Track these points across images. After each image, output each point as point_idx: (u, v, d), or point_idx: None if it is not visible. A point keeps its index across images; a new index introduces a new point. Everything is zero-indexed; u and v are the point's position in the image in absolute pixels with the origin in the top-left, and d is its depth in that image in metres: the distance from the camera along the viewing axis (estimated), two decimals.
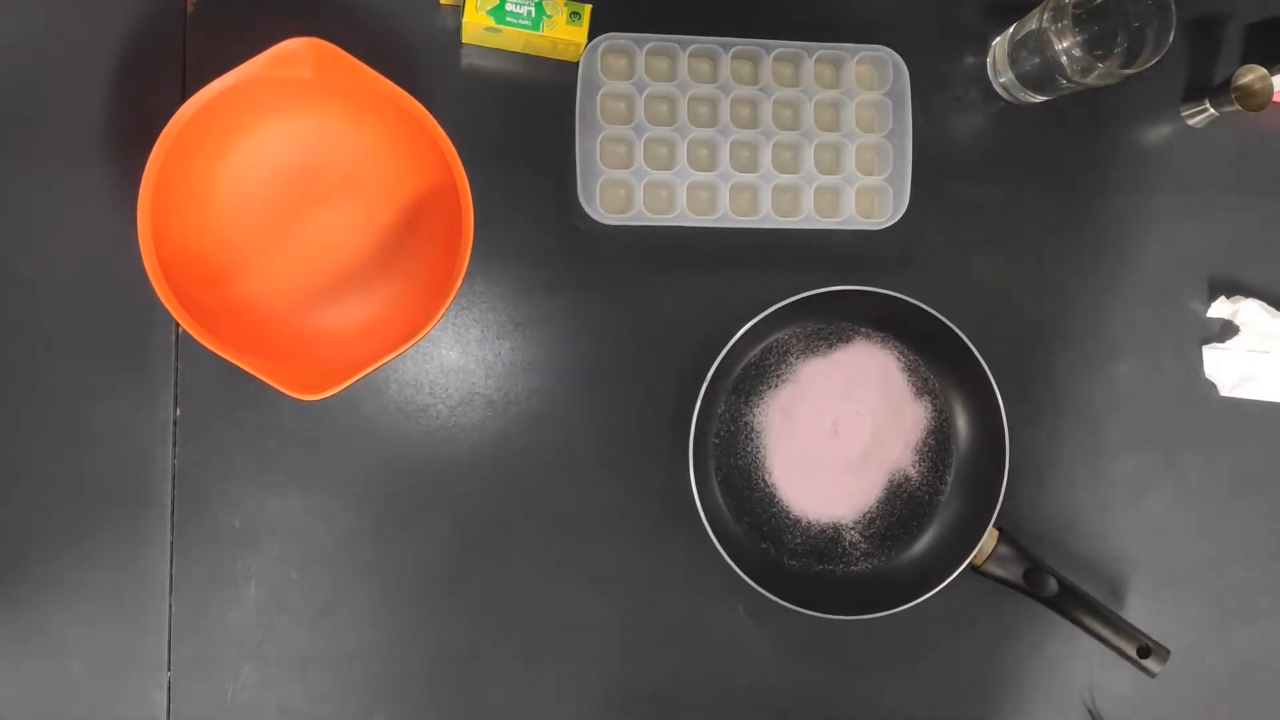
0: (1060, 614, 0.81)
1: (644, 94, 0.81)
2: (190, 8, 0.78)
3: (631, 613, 0.82)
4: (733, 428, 0.83)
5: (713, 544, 0.78)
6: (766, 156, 0.82)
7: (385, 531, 0.79)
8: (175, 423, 0.77)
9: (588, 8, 0.77)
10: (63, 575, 0.76)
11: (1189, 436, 0.88)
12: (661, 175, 0.81)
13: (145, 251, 0.68)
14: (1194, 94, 0.88)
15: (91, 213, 0.76)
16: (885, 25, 0.85)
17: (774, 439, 0.83)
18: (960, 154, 0.87)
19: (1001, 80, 0.86)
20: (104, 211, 0.76)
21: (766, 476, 0.83)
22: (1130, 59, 0.79)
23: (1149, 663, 0.80)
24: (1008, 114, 0.88)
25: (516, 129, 0.81)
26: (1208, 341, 0.89)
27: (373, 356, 0.71)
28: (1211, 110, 0.87)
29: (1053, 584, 0.81)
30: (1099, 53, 0.78)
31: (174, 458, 0.77)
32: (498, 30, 0.77)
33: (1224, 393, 0.89)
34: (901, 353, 0.85)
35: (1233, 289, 0.89)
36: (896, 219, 0.83)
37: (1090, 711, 0.83)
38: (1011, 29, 0.84)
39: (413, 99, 0.70)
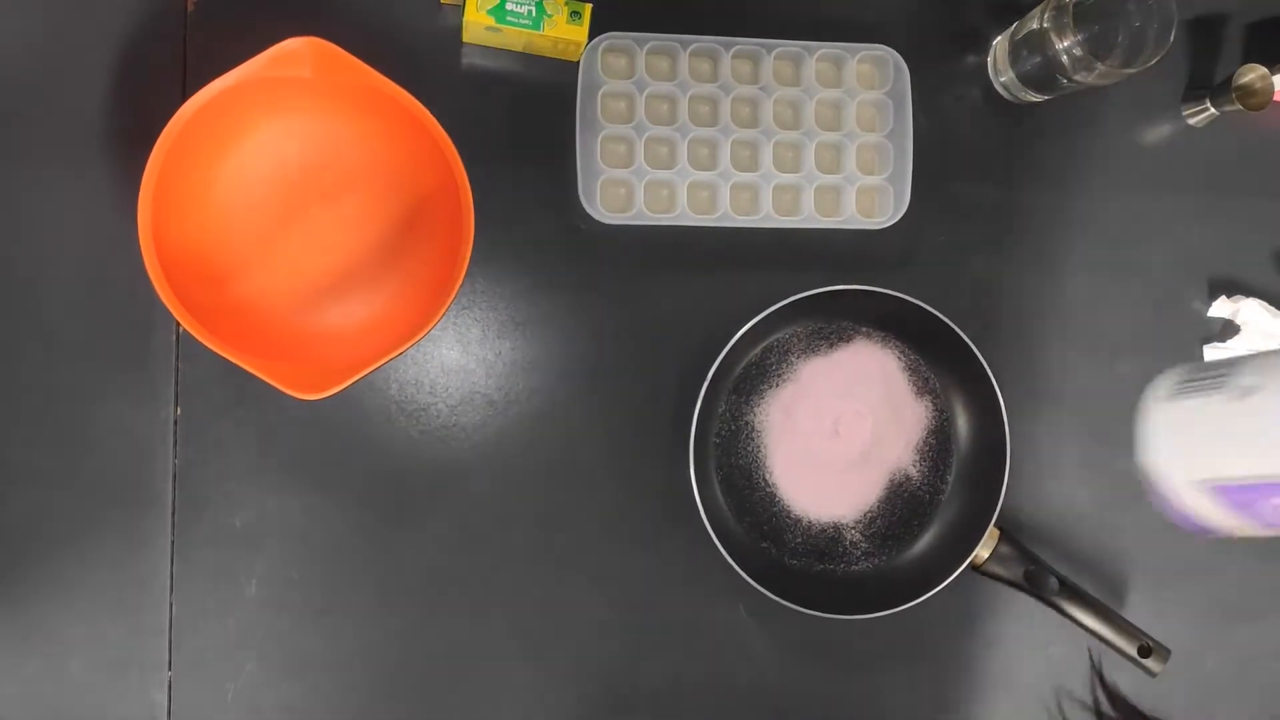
0: (1061, 613, 0.81)
1: (644, 93, 0.81)
2: (191, 7, 0.78)
3: (632, 612, 0.82)
4: (733, 427, 0.83)
5: (713, 543, 0.78)
6: (767, 156, 0.82)
7: (385, 531, 0.79)
8: (176, 422, 0.77)
9: (588, 7, 0.77)
10: (63, 575, 0.76)
11: None
12: (662, 174, 0.81)
13: (146, 251, 0.67)
14: (1195, 93, 0.88)
15: (92, 212, 0.76)
16: (886, 24, 0.85)
17: (775, 438, 0.83)
18: (961, 153, 0.87)
19: (1002, 79, 0.86)
20: (104, 211, 0.76)
21: (767, 476, 0.83)
22: (1131, 58, 0.79)
23: (1150, 662, 0.80)
24: (1008, 113, 0.88)
25: (517, 128, 0.81)
26: (1209, 341, 0.89)
27: (373, 356, 0.71)
28: (1212, 109, 0.87)
29: (1054, 583, 0.81)
30: (1100, 52, 0.78)
31: (174, 457, 0.77)
32: (498, 30, 0.77)
33: None
34: (902, 352, 0.85)
35: (1233, 288, 0.89)
36: (897, 218, 0.83)
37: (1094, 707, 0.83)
38: (1012, 28, 0.84)
39: (413, 98, 0.70)
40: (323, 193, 0.77)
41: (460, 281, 0.71)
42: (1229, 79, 0.85)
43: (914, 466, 0.85)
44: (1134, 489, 0.87)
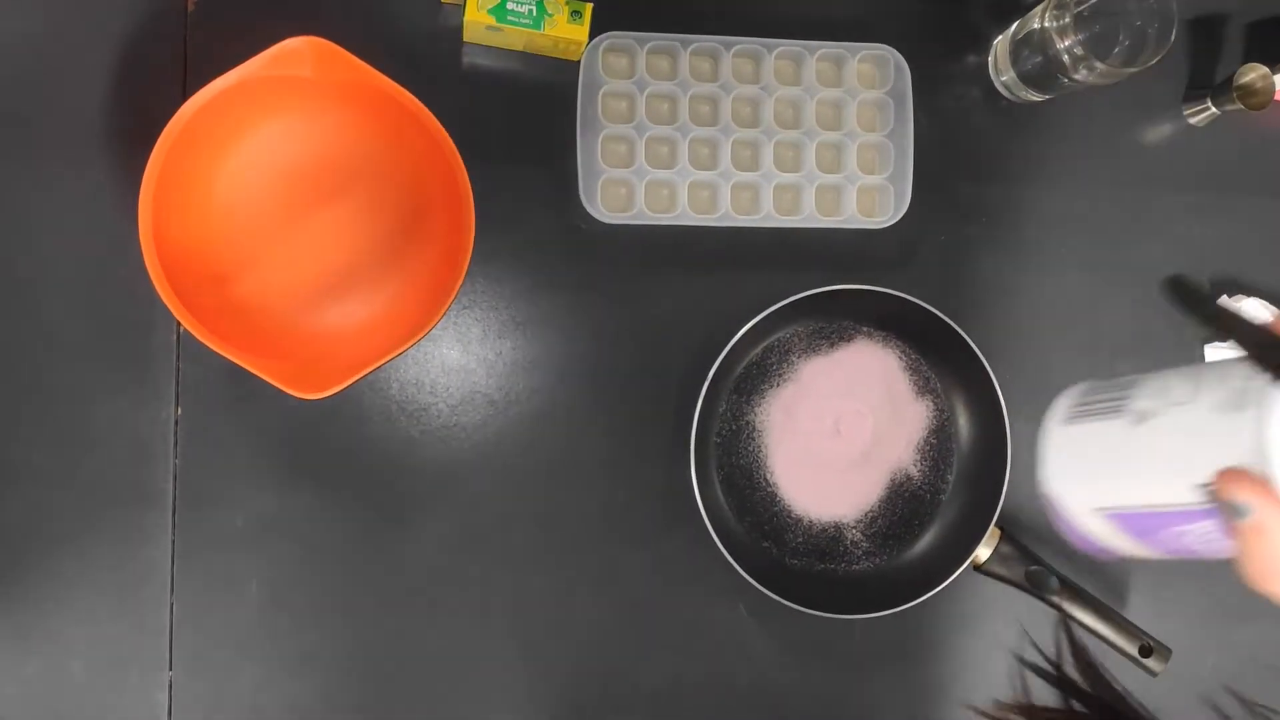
0: (1062, 613, 0.81)
1: (645, 93, 0.81)
2: (191, 7, 0.78)
3: (632, 612, 0.82)
4: (734, 427, 0.83)
5: (714, 543, 0.78)
6: (768, 155, 0.82)
7: (386, 530, 0.79)
8: (177, 422, 0.77)
9: (589, 6, 0.77)
10: (64, 574, 0.76)
11: None
12: (663, 174, 0.81)
13: (146, 251, 0.67)
14: (1196, 93, 0.88)
15: (92, 212, 0.76)
16: (887, 24, 0.85)
17: (776, 438, 0.83)
18: (962, 153, 0.87)
19: (1003, 79, 0.86)
20: (105, 211, 0.76)
21: (768, 475, 0.83)
22: (1132, 57, 0.79)
23: (1150, 662, 0.80)
24: (1009, 113, 0.87)
25: (518, 128, 0.81)
26: (1209, 340, 0.89)
27: (374, 355, 0.71)
28: (1213, 109, 0.87)
29: (1054, 583, 0.81)
30: (1101, 51, 0.78)
31: (175, 457, 0.77)
32: (499, 29, 0.77)
33: None
34: (903, 352, 0.85)
35: (1235, 287, 0.89)
36: (898, 218, 0.83)
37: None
38: (1013, 28, 0.84)
39: (414, 98, 0.70)
40: (323, 192, 0.77)
41: (461, 281, 0.71)
42: (1230, 78, 0.85)
43: (915, 466, 0.85)
44: None
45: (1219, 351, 0.88)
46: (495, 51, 0.81)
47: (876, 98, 0.84)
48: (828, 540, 0.84)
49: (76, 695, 0.76)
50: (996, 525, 0.81)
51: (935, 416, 0.85)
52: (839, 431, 0.84)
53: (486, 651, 0.80)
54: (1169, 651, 0.81)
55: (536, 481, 0.81)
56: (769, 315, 0.79)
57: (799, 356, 0.84)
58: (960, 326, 0.80)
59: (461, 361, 0.81)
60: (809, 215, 0.83)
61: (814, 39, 0.83)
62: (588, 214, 0.80)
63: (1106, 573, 0.86)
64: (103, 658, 0.76)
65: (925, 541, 0.85)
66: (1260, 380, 0.37)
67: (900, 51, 0.83)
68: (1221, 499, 0.37)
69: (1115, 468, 0.43)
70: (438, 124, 0.70)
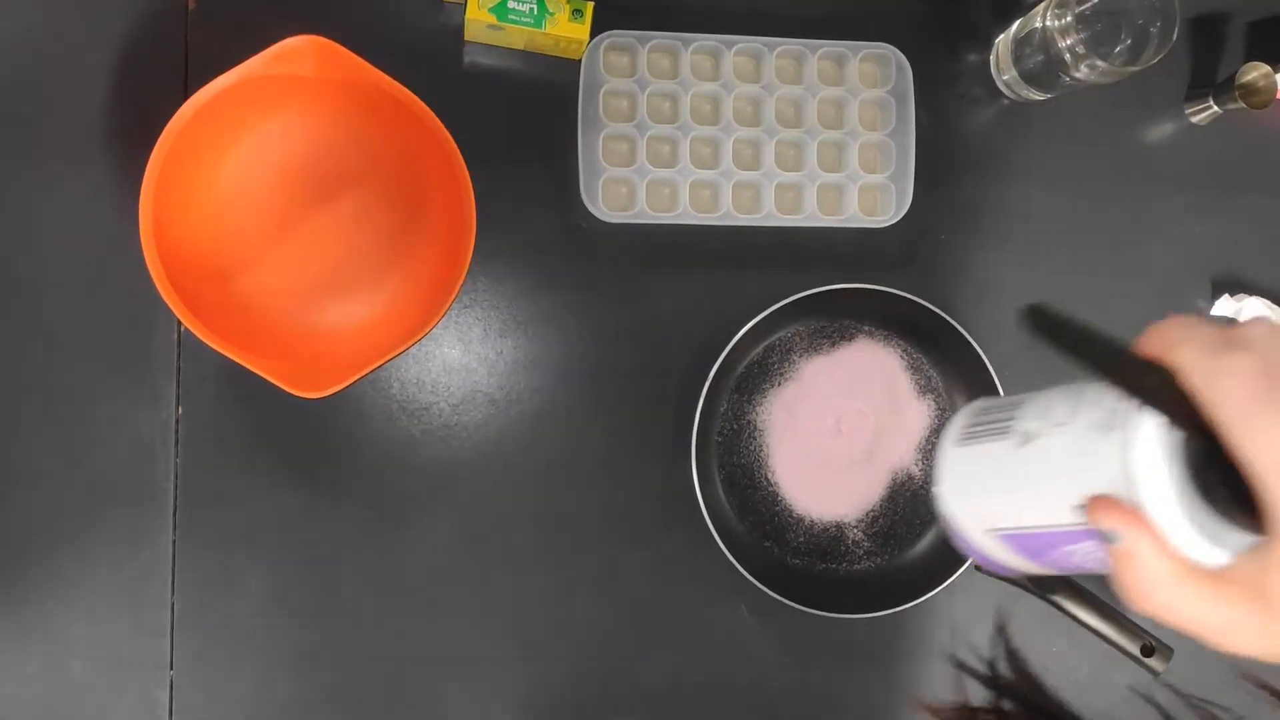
0: (1064, 613, 0.81)
1: (646, 91, 0.81)
2: (192, 6, 0.78)
3: (633, 611, 0.82)
4: (735, 426, 0.83)
5: (715, 542, 0.78)
6: (769, 154, 0.82)
7: (387, 530, 0.79)
8: (177, 421, 0.77)
9: (590, 5, 0.77)
10: (65, 574, 0.76)
11: None
12: (664, 173, 0.81)
13: (147, 250, 0.67)
14: (1198, 91, 0.88)
15: (93, 211, 0.76)
16: (888, 23, 0.85)
17: (777, 437, 0.83)
18: (963, 152, 0.87)
19: (1004, 78, 0.86)
20: (106, 210, 0.76)
21: (769, 475, 0.83)
22: (1134, 56, 0.78)
23: (1152, 661, 0.80)
24: (1011, 112, 0.87)
25: (519, 127, 0.81)
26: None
27: (375, 354, 0.71)
28: (1215, 108, 0.87)
29: (1057, 583, 0.81)
30: (1102, 50, 0.78)
31: (176, 456, 0.77)
32: (500, 28, 0.77)
33: None
34: (905, 351, 0.85)
35: (1236, 287, 0.89)
36: (899, 217, 0.83)
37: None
38: (1015, 26, 0.84)
39: (415, 97, 0.70)
40: (324, 191, 0.77)
41: (462, 280, 0.71)
42: (1232, 77, 0.85)
43: (916, 465, 0.85)
44: None
45: None
46: (496, 50, 0.81)
47: (878, 97, 0.84)
48: (829, 540, 0.84)
49: (77, 695, 0.76)
50: None
51: (937, 416, 0.85)
52: (840, 431, 0.84)
53: (486, 651, 0.80)
54: (1171, 651, 0.81)
55: (537, 481, 0.81)
56: (770, 314, 0.79)
57: (800, 356, 0.84)
58: (962, 325, 0.80)
59: (462, 360, 0.81)
60: (810, 214, 0.83)
61: (815, 38, 0.83)
62: (589, 213, 0.80)
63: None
64: (103, 657, 0.76)
65: (926, 541, 0.85)
66: (1130, 402, 0.36)
67: (902, 50, 0.83)
68: (1091, 525, 0.36)
69: (1003, 489, 0.43)
70: (439, 123, 0.70)
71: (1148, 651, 0.80)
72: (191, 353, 0.77)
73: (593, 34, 0.78)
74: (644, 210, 0.81)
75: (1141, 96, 0.88)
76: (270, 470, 0.78)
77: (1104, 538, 0.35)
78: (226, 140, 0.74)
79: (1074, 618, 0.81)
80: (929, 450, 0.85)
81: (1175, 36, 0.76)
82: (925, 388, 0.85)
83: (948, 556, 0.81)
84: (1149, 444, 0.34)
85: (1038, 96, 0.85)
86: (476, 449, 0.80)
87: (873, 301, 0.81)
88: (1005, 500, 0.43)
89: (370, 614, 0.79)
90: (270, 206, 0.76)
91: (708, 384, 0.78)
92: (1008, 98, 0.87)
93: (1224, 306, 0.88)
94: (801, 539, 0.84)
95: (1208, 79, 0.89)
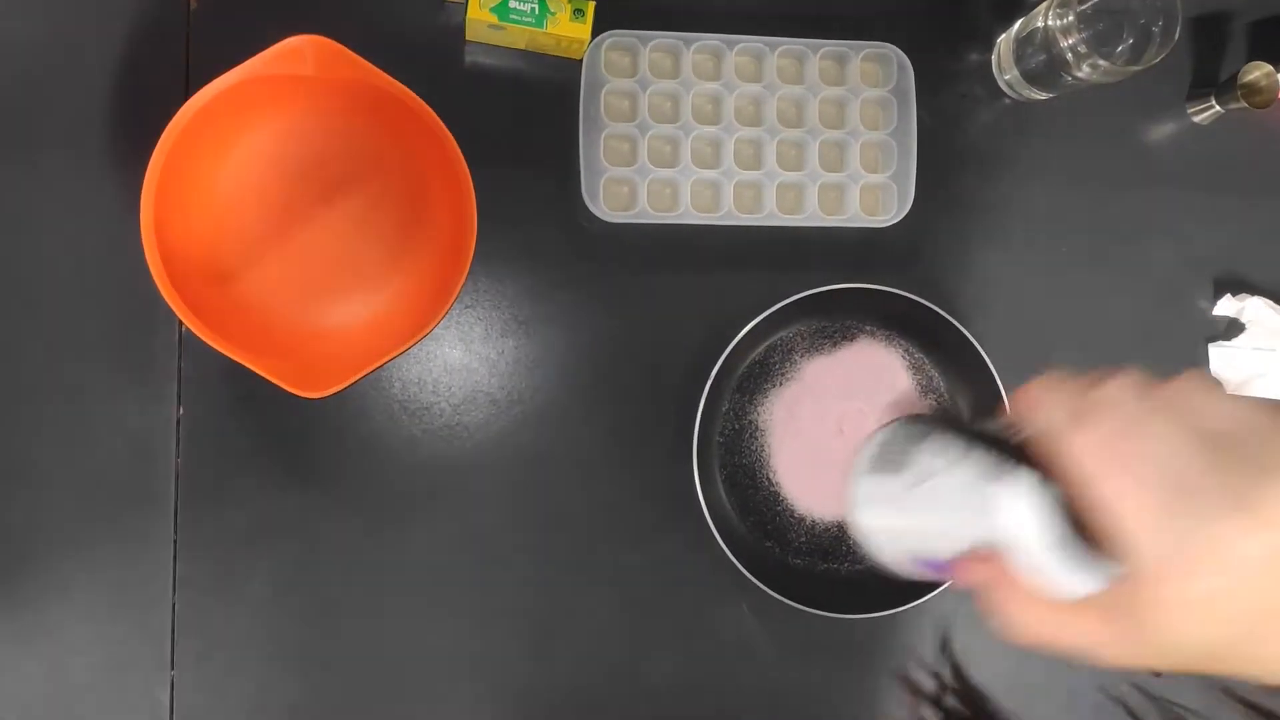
0: None
1: (648, 91, 0.81)
2: (193, 5, 0.78)
3: (634, 611, 0.82)
4: (737, 426, 0.83)
5: (717, 542, 0.78)
6: (770, 154, 0.82)
7: (388, 530, 0.79)
8: (178, 421, 0.77)
9: (591, 4, 0.77)
10: (66, 574, 0.76)
11: None
12: (665, 173, 0.81)
13: (149, 249, 0.67)
14: (1200, 91, 0.88)
15: (95, 211, 0.76)
16: (890, 22, 0.85)
17: (778, 437, 0.83)
18: (965, 151, 0.87)
19: (1006, 77, 0.86)
20: (107, 210, 0.76)
21: (771, 475, 0.83)
22: (1136, 56, 0.78)
23: None
24: (1012, 111, 0.87)
25: (520, 126, 0.81)
26: (1214, 339, 0.89)
27: (376, 354, 0.71)
28: (1217, 107, 0.87)
29: None
30: (1104, 49, 0.78)
31: (177, 456, 0.77)
32: (501, 28, 0.77)
33: (1230, 390, 0.88)
34: (906, 351, 0.85)
35: (1239, 287, 0.89)
36: (901, 217, 0.83)
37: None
38: (1016, 26, 0.84)
39: (416, 96, 0.70)
40: (325, 191, 0.77)
41: (463, 280, 0.71)
42: (1234, 77, 0.85)
43: None
44: None
45: (1223, 350, 0.88)
46: (497, 50, 0.81)
47: (879, 96, 0.84)
48: (831, 540, 0.84)
49: (78, 695, 0.76)
50: None
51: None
52: (842, 431, 0.83)
53: (487, 651, 0.80)
54: None
55: (539, 480, 0.81)
56: (772, 314, 0.78)
57: (802, 356, 0.84)
58: (964, 325, 0.80)
59: (464, 360, 0.81)
60: (812, 214, 0.83)
61: (817, 37, 0.83)
62: (590, 213, 0.80)
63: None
64: (104, 657, 0.76)
65: None
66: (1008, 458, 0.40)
67: (903, 50, 0.83)
68: (963, 585, 0.41)
69: (904, 519, 0.46)
70: (440, 123, 0.70)
71: None
72: (192, 352, 0.77)
73: (594, 33, 0.78)
74: (645, 210, 0.80)
75: (1143, 96, 0.88)
76: (271, 470, 0.78)
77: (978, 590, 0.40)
78: (228, 140, 0.74)
79: None
80: None
81: (1177, 36, 0.75)
82: (927, 388, 0.85)
83: None
84: (1025, 494, 0.38)
85: (1039, 96, 0.85)
86: (478, 449, 0.80)
87: (874, 301, 0.81)
88: (907, 528, 0.46)
89: (371, 614, 0.79)
90: (271, 206, 0.76)
91: (709, 384, 0.78)
92: (1009, 97, 0.87)
93: (1226, 306, 0.88)
94: (803, 539, 0.84)
95: (1210, 78, 0.89)
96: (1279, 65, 0.85)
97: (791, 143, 0.83)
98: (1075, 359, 0.87)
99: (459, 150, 0.71)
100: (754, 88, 0.83)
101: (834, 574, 0.84)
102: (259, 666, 0.78)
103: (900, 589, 0.81)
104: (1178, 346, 0.88)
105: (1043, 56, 0.80)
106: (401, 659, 0.79)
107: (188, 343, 0.77)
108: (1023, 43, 0.83)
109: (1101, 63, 0.76)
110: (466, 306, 0.81)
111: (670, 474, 0.81)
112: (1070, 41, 0.77)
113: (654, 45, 0.81)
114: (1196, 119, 0.89)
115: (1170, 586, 0.34)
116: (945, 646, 0.84)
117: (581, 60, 0.80)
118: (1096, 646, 0.38)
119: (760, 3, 0.84)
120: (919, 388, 0.85)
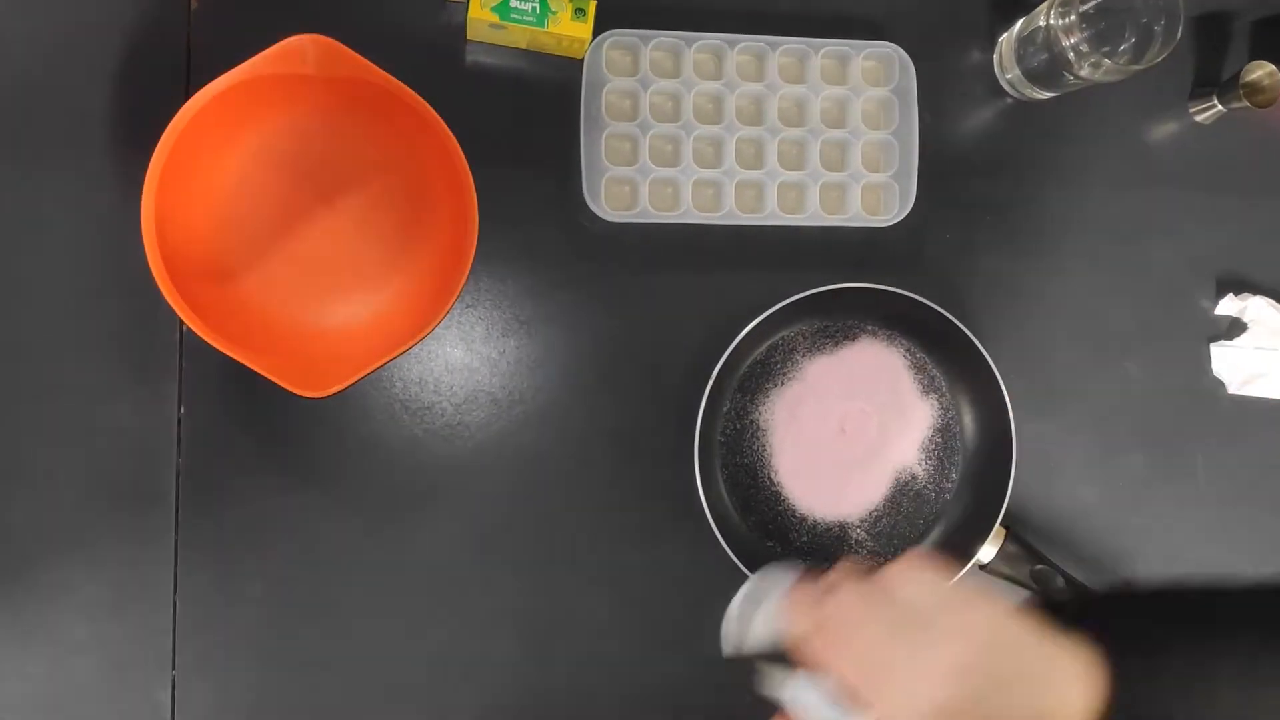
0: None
1: (649, 90, 0.81)
2: (194, 5, 0.78)
3: (635, 611, 0.82)
4: (738, 426, 0.83)
5: (718, 542, 0.77)
6: (772, 153, 0.82)
7: (389, 530, 0.79)
8: (180, 421, 0.77)
9: (593, 4, 0.77)
10: (67, 575, 0.76)
11: (1197, 434, 0.88)
12: (666, 172, 0.81)
13: (150, 249, 0.67)
14: (1202, 90, 0.88)
15: (96, 211, 0.76)
16: (891, 22, 0.85)
17: (780, 437, 0.83)
18: (967, 151, 0.87)
19: (1008, 76, 0.86)
20: (108, 209, 0.76)
21: (772, 475, 0.83)
22: (1138, 55, 0.78)
23: None
24: (1014, 110, 0.87)
25: (521, 126, 0.81)
26: (1216, 339, 0.88)
27: (378, 354, 0.70)
28: (1219, 107, 0.87)
29: (1060, 582, 0.81)
30: (1106, 48, 0.78)
31: (179, 456, 0.77)
32: (502, 27, 0.77)
33: (1232, 390, 0.88)
34: (908, 350, 0.85)
35: (1241, 286, 0.89)
36: (903, 216, 0.83)
37: None
38: (1018, 25, 0.84)
39: (417, 96, 0.70)
40: (326, 190, 0.77)
41: (464, 279, 0.71)
42: (1236, 76, 0.85)
43: (920, 465, 0.85)
44: (1141, 487, 0.88)
45: (1225, 350, 0.88)
46: (498, 49, 0.81)
47: (881, 95, 0.84)
48: (832, 539, 0.84)
49: (80, 694, 0.76)
50: (1002, 524, 0.81)
51: (940, 415, 0.85)
52: (844, 430, 0.83)
53: (487, 651, 0.80)
54: None
55: (540, 480, 0.81)
56: (773, 314, 0.78)
57: (804, 355, 0.84)
58: (965, 325, 0.80)
59: (465, 360, 0.81)
60: (813, 213, 0.83)
61: (818, 36, 0.83)
62: (591, 212, 0.80)
63: (1112, 571, 0.86)
64: (106, 657, 0.76)
65: (930, 541, 0.85)
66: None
67: (905, 49, 0.83)
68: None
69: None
70: (441, 122, 0.70)
71: None
72: (193, 352, 0.77)
73: (595, 33, 0.78)
74: (646, 209, 0.80)
75: (1146, 95, 0.88)
76: (273, 470, 0.78)
77: None
78: (229, 139, 0.74)
79: None
80: (932, 450, 0.85)
81: (1179, 35, 0.75)
82: (929, 387, 0.85)
83: (951, 556, 0.81)
84: (803, 689, 0.55)
85: (1041, 95, 0.85)
86: (479, 448, 0.80)
87: (876, 301, 0.81)
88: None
89: (372, 614, 0.79)
90: (273, 205, 0.76)
91: (710, 383, 0.78)
92: (1011, 96, 0.87)
93: (1228, 306, 0.88)
94: (805, 539, 0.84)
95: (1212, 78, 0.88)
96: None
97: (793, 142, 0.83)
98: (1077, 358, 0.87)
99: (460, 149, 0.71)
100: (755, 87, 0.82)
101: None
102: (259, 666, 0.78)
103: None
104: (1179, 346, 0.88)
105: (1045, 56, 0.80)
106: (401, 659, 0.79)
107: (188, 342, 0.77)
108: (1025, 42, 0.82)
109: (1104, 62, 0.76)
110: (468, 306, 0.81)
111: (671, 474, 0.81)
112: (1072, 40, 0.77)
113: (655, 44, 0.81)
114: (1199, 118, 0.89)
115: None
116: None
117: (583, 59, 0.80)
118: None
119: (761, 2, 0.84)
120: (920, 387, 0.85)
